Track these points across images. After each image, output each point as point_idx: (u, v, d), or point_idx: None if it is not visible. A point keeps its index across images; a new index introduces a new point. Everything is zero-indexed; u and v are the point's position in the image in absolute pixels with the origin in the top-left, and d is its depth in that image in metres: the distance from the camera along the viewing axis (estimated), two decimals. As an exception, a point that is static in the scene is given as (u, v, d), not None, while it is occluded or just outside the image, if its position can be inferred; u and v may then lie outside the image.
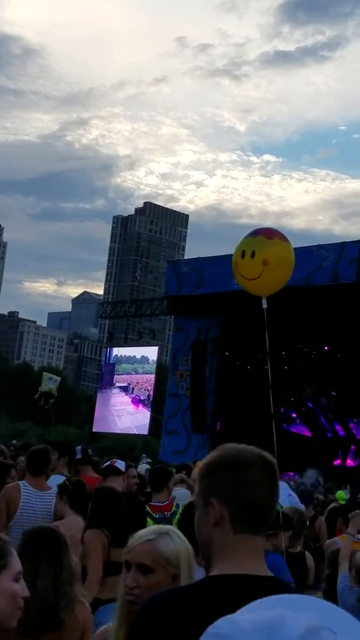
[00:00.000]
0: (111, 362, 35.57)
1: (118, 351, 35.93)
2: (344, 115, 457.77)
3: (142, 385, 33.81)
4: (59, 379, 40.67)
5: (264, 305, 7.79)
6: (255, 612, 0.84)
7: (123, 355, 35.30)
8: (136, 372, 34.38)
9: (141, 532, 2.64)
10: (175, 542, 2.58)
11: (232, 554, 1.85)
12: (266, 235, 7.95)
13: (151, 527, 2.71)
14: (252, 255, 7.80)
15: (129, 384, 34.13)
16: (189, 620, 1.68)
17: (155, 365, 34.24)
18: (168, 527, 2.72)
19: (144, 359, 34.50)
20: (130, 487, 7.91)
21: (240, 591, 1.71)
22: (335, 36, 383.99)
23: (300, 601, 0.97)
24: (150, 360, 34.41)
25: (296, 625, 0.78)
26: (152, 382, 33.40)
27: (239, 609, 1.73)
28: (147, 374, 33.92)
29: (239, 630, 0.79)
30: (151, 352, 35.80)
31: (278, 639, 0.76)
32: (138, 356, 34.86)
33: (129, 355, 35.13)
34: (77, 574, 3.32)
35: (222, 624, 0.84)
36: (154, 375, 33.61)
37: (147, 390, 33.40)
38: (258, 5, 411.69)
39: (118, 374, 34.90)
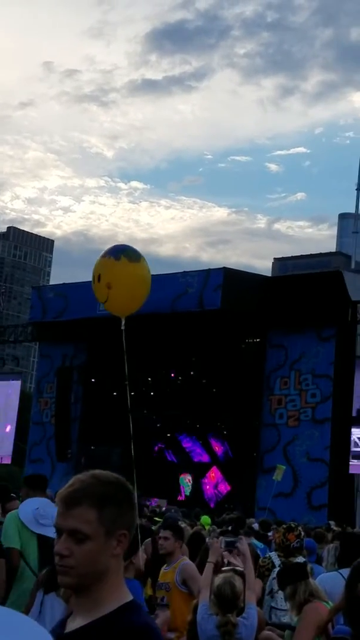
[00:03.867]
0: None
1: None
2: (210, 144, 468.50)
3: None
4: None
5: (122, 327, 7.77)
6: None
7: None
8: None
9: None
10: None
11: (122, 579, 1.92)
12: (114, 255, 7.88)
13: None
14: (99, 279, 7.78)
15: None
16: None
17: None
18: None
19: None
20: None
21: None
22: (202, 67, 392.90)
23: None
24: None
25: None
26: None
27: None
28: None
29: None
30: (14, 387, 34.31)
31: None
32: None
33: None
34: None
35: None
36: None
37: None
38: (125, 33, 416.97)
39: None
